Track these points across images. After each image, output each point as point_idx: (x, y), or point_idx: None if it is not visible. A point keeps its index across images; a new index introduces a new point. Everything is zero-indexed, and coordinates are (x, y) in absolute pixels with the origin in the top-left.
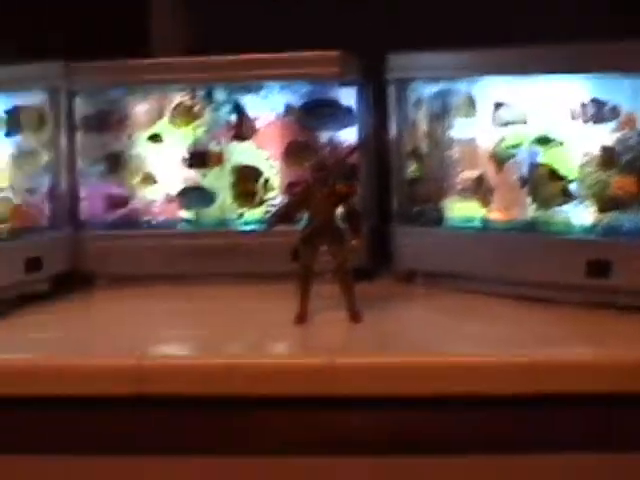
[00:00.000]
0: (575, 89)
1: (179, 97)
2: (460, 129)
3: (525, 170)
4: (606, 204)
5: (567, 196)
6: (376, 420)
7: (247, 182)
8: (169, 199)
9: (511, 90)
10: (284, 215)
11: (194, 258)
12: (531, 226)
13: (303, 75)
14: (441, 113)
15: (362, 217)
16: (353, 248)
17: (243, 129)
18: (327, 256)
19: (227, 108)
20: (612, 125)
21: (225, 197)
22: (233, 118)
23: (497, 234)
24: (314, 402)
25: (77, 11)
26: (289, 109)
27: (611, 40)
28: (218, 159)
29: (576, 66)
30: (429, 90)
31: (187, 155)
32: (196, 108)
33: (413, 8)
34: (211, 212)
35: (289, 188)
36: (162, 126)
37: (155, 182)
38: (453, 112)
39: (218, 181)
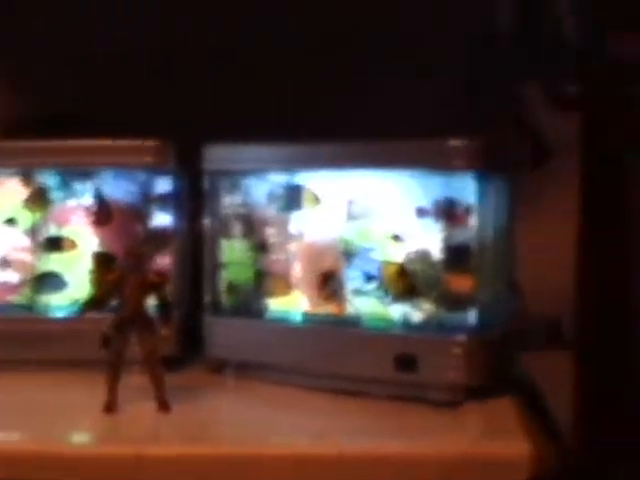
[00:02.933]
0: (416, 186)
1: (12, 181)
2: (286, 223)
3: (373, 266)
4: (439, 300)
5: (414, 293)
6: None
7: (104, 268)
8: (21, 284)
9: (343, 185)
10: (96, 301)
11: (2, 344)
12: (348, 320)
13: (119, 163)
14: (265, 206)
15: (173, 306)
16: (163, 337)
17: (102, 215)
18: (137, 345)
19: (66, 193)
20: (449, 223)
21: (78, 283)
22: (92, 204)
23: (312, 326)
24: None
25: None
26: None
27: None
28: (72, 244)
29: (397, 162)
30: (248, 182)
31: (42, 240)
32: (50, 194)
33: (234, 99)
34: (59, 298)
35: (103, 275)
36: (16, 210)
37: (8, 266)
38: (280, 205)
39: (72, 267)
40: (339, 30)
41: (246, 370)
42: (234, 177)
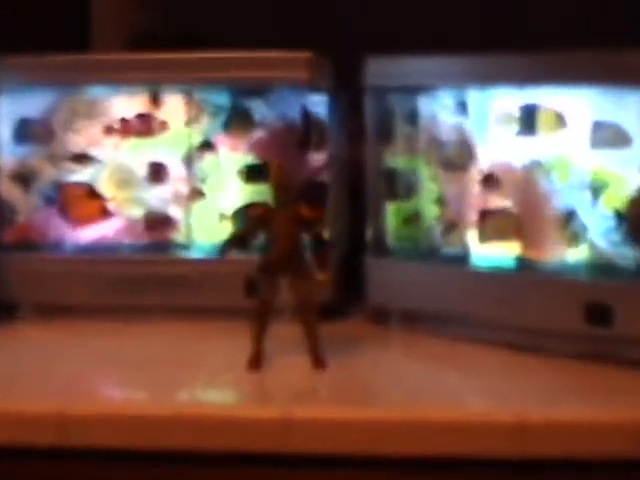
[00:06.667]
0: None
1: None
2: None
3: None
4: None
5: None
6: None
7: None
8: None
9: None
10: (240, 240)
11: (133, 288)
12: (532, 264)
13: (268, 78)
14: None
15: (330, 246)
16: (319, 282)
17: (311, 137)
18: (288, 290)
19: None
20: None
21: None
22: (299, 124)
23: (488, 272)
24: (267, 460)
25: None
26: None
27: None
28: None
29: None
30: (418, 100)
31: (243, 168)
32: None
33: (396, 7)
34: None
35: (248, 209)
36: (216, 134)
37: (203, 197)
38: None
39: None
40: None
41: (414, 321)
42: (403, 95)
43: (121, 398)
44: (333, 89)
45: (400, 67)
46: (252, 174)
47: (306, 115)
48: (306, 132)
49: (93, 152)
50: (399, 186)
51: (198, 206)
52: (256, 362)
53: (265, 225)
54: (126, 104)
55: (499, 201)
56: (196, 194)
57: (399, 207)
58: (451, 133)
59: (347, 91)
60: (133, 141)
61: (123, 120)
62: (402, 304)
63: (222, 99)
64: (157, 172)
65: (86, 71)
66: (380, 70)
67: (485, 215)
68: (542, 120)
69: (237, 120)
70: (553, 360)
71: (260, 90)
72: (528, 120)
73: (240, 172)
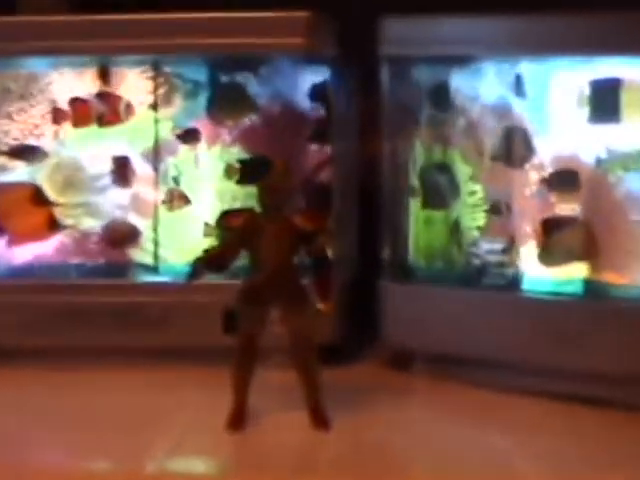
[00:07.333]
0: None
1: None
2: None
3: None
4: None
5: None
6: None
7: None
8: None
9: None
10: (215, 260)
11: (82, 324)
12: (604, 289)
13: (255, 46)
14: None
15: (335, 266)
16: (320, 314)
17: (328, 125)
18: (279, 325)
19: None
20: None
21: None
22: (311, 109)
23: (546, 300)
24: None
25: None
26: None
27: None
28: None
29: None
30: (452, 75)
31: (236, 163)
32: (251, 98)
33: None
34: None
35: (225, 220)
36: (194, 118)
37: (188, 202)
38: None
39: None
40: None
41: (444, 365)
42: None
43: (68, 468)
44: (338, 60)
45: (426, 31)
46: (246, 172)
47: (319, 93)
48: (321, 118)
49: (34, 143)
50: (427, 188)
51: (169, 215)
52: (238, 420)
53: (249, 239)
54: (74, 80)
55: (565, 208)
56: (168, 199)
57: (427, 216)
58: (498, 118)
59: (357, 63)
60: (86, 130)
61: (76, 101)
62: (429, 344)
63: (199, 74)
64: (119, 170)
65: (18, 38)
66: (400, 35)
67: (547, 226)
68: (625, 101)
69: (225, 100)
70: (625, 415)
71: (248, 62)
72: (603, 101)
73: (227, 170)
